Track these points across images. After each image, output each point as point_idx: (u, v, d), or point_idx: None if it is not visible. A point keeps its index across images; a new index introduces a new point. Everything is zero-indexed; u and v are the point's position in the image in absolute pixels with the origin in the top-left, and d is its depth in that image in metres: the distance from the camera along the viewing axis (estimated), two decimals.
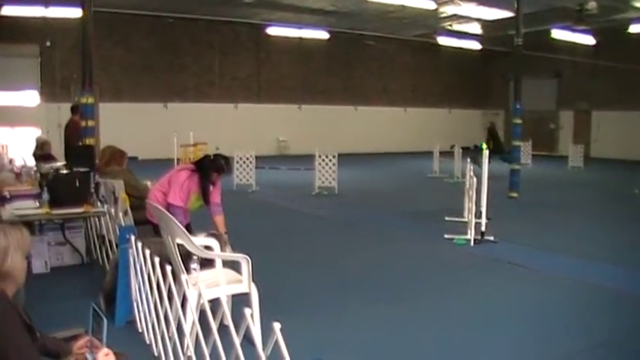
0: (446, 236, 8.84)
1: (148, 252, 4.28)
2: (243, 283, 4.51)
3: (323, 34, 24.27)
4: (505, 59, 24.40)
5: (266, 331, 2.90)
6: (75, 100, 15.38)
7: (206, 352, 3.28)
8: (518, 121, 13.63)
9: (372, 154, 26.04)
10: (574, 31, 20.92)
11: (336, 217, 10.99)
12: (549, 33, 21.43)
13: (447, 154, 18.63)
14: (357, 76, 27.73)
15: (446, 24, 22.94)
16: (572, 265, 7.49)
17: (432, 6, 18.74)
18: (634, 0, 18.39)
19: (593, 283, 6.66)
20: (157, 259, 4.10)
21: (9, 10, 17.80)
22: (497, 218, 9.50)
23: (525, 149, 20.53)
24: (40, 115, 20.14)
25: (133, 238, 4.65)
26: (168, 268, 3.95)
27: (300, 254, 8.05)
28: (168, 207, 5.40)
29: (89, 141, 9.48)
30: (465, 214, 9.58)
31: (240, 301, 4.43)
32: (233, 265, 4.82)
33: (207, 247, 4.80)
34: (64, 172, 7.05)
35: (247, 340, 3.03)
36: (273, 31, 23.69)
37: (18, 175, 8.28)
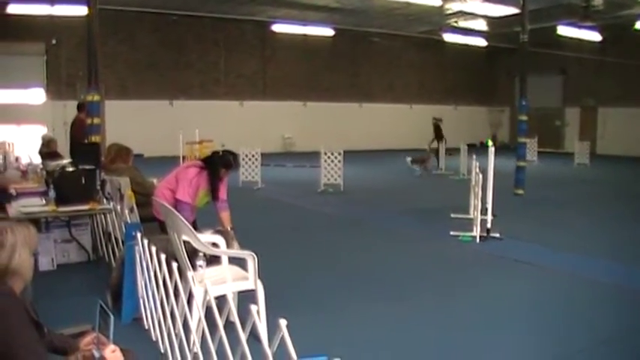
0: (451, 233, 8.83)
1: (154, 249, 4.28)
2: (249, 280, 4.52)
3: (328, 31, 24.24)
4: (511, 56, 24.29)
5: (271, 328, 2.91)
6: (80, 98, 15.41)
7: (212, 348, 3.28)
8: (524, 117, 13.58)
9: (378, 151, 26.03)
10: (580, 27, 20.81)
11: (341, 215, 10.99)
12: (555, 29, 21.35)
13: (453, 150, 18.62)
14: (362, 73, 27.70)
15: (451, 21, 22.88)
16: (577, 263, 7.47)
17: (438, 3, 18.70)
18: None
19: (598, 281, 6.64)
20: (162, 256, 4.11)
21: (15, 9, 17.85)
22: (502, 215, 9.49)
23: (531, 146, 20.47)
24: (45, 112, 20.20)
25: (139, 235, 4.66)
26: (175, 265, 3.96)
27: (305, 251, 8.05)
28: (176, 203, 5.41)
29: (95, 138, 9.51)
30: (471, 211, 9.56)
31: (245, 298, 4.44)
32: (239, 262, 4.83)
33: (213, 244, 4.81)
34: (70, 169, 7.06)
35: (253, 336, 3.03)
36: (278, 28, 23.67)
37: (24, 173, 8.33)
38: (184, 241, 4.46)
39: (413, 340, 4.84)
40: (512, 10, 18.40)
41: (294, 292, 6.01)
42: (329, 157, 13.74)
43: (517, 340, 4.85)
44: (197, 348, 3.59)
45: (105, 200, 6.85)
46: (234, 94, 24.68)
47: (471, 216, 9.15)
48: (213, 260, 4.76)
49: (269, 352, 2.75)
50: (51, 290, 5.71)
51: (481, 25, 23.57)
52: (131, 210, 6.15)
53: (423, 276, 6.87)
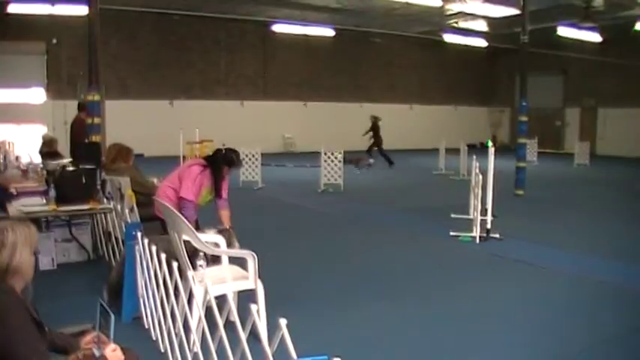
0: (451, 233, 8.84)
1: (154, 248, 4.29)
2: (249, 279, 4.53)
3: (329, 32, 24.22)
4: (511, 56, 24.26)
5: (272, 328, 2.92)
6: (81, 98, 15.42)
7: (212, 348, 3.29)
8: (524, 118, 13.57)
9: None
10: (580, 28, 20.80)
11: (341, 215, 11.00)
12: (555, 30, 21.33)
13: (453, 151, 18.61)
14: (362, 73, 27.69)
15: (452, 21, 22.87)
16: (577, 263, 7.48)
17: (438, 3, 18.68)
18: None
19: (598, 280, 6.65)
20: (163, 256, 4.11)
21: (16, 8, 17.85)
22: (503, 216, 9.50)
23: (531, 147, 20.47)
24: (46, 112, 20.19)
25: (139, 234, 4.67)
26: (175, 265, 3.97)
27: (305, 251, 8.06)
28: (180, 202, 5.44)
29: (95, 138, 9.52)
30: (471, 211, 9.55)
31: (245, 297, 4.45)
32: (239, 262, 4.83)
33: (214, 244, 4.82)
34: (71, 169, 7.08)
35: (253, 336, 3.04)
36: (279, 28, 23.65)
37: (24, 172, 8.34)
38: (185, 241, 4.47)
39: (412, 340, 4.85)
40: (512, 11, 18.38)
41: (294, 291, 6.02)
42: (329, 157, 13.75)
43: (517, 339, 4.86)
44: (197, 347, 3.60)
45: (105, 200, 6.86)
46: (235, 93, 24.67)
47: (471, 216, 9.15)
48: (213, 260, 4.77)
49: (269, 352, 2.76)
50: (51, 289, 5.72)
51: (481, 25, 23.56)
52: (131, 210, 6.16)
53: (423, 276, 6.88)
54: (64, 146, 11.90)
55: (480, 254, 7.88)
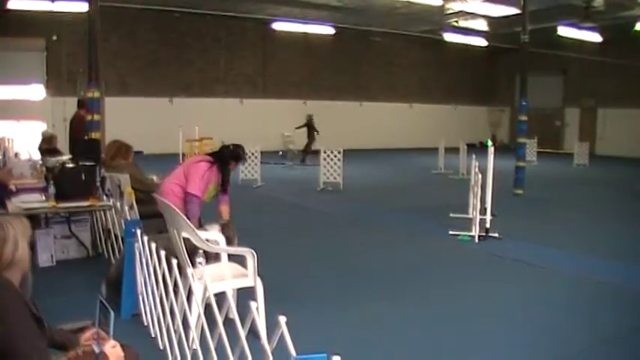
0: (450, 233, 8.84)
1: (153, 246, 4.29)
2: (249, 277, 4.53)
3: (329, 30, 24.20)
4: (511, 56, 24.25)
5: (271, 326, 2.92)
6: (80, 95, 15.41)
7: (211, 345, 3.29)
8: (524, 118, 13.58)
9: (377, 150, 26.02)
10: (580, 28, 20.79)
11: (340, 213, 11.00)
12: (555, 30, 21.32)
13: (453, 150, 18.61)
14: (362, 71, 27.67)
15: (452, 20, 22.85)
16: (576, 262, 7.49)
17: (439, 2, 18.68)
18: None
19: (598, 281, 6.66)
20: (162, 253, 4.12)
21: (15, 4, 17.81)
22: (502, 215, 9.50)
23: (531, 146, 20.49)
24: (45, 109, 20.16)
25: (138, 232, 4.67)
26: (174, 262, 3.97)
27: (304, 250, 8.06)
28: (187, 197, 5.49)
29: (95, 135, 9.51)
30: (470, 210, 9.56)
31: (244, 295, 4.45)
32: (238, 260, 4.83)
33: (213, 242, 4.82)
34: (70, 166, 7.07)
35: (252, 333, 3.04)
36: (279, 26, 23.63)
37: (24, 169, 8.32)
38: (184, 238, 4.47)
39: (412, 339, 4.85)
40: (512, 11, 18.38)
41: (294, 289, 6.02)
42: (328, 156, 13.74)
43: (517, 339, 4.86)
44: (196, 344, 3.60)
45: (105, 197, 6.85)
46: (235, 91, 24.65)
47: (470, 216, 9.15)
48: (212, 257, 4.77)
49: (268, 349, 2.76)
50: (50, 286, 5.72)
51: (482, 25, 23.54)
52: (131, 207, 6.15)
53: (422, 275, 6.88)
54: (63, 143, 11.90)
55: (479, 254, 7.88)
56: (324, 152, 13.71)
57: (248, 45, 25.02)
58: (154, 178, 7.10)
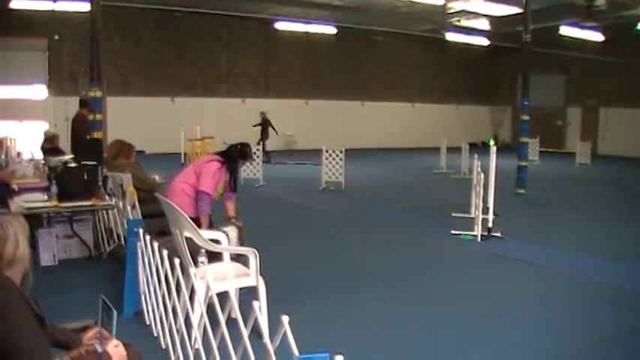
0: (452, 232, 8.84)
1: (156, 245, 4.30)
2: (251, 276, 4.53)
3: (331, 30, 24.21)
4: (513, 55, 24.25)
5: (273, 325, 2.92)
6: (82, 94, 15.41)
7: (214, 344, 3.29)
8: (526, 117, 13.57)
9: (379, 150, 26.01)
10: (582, 27, 20.77)
11: (342, 212, 11.00)
12: (557, 29, 21.30)
13: (454, 149, 18.61)
14: (364, 71, 27.66)
15: (454, 20, 22.84)
16: (578, 263, 7.48)
17: (440, 2, 18.68)
18: None
19: (599, 281, 6.65)
20: (165, 252, 4.12)
21: (17, 4, 17.84)
22: (504, 215, 9.50)
23: (533, 146, 20.48)
24: (47, 108, 20.18)
25: (140, 231, 4.67)
26: (177, 261, 3.97)
27: (306, 249, 8.06)
28: (198, 195, 5.64)
29: (97, 134, 9.52)
30: (472, 210, 9.56)
31: (246, 294, 4.45)
32: (239, 259, 4.84)
33: (215, 241, 4.82)
34: (73, 165, 7.08)
35: (255, 333, 3.04)
36: (280, 25, 23.63)
37: (26, 168, 8.33)
38: (187, 238, 4.47)
39: (412, 338, 4.85)
40: (514, 10, 18.38)
41: (296, 289, 6.02)
42: (330, 155, 13.74)
43: (517, 339, 4.86)
44: (199, 344, 3.60)
45: (107, 196, 6.86)
46: (236, 91, 24.66)
47: (473, 215, 9.16)
48: (214, 257, 4.77)
49: (271, 348, 2.76)
50: (53, 285, 5.73)
51: (483, 24, 23.53)
52: (133, 206, 6.16)
53: (424, 274, 6.88)
54: (65, 142, 11.91)
55: (480, 253, 7.88)
56: (326, 152, 13.71)
57: (250, 44, 25.03)
58: (156, 177, 7.12)
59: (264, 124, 20.31)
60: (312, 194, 13.04)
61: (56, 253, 6.77)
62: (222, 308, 3.21)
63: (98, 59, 9.61)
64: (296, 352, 2.52)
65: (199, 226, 5.44)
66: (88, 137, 9.66)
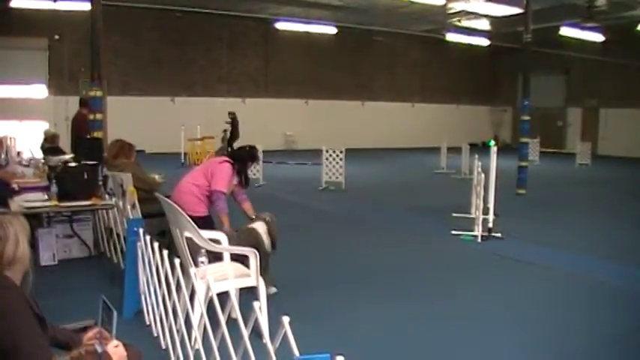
0: (453, 232, 8.83)
1: (156, 245, 4.29)
2: (251, 277, 4.53)
3: (331, 29, 24.21)
4: (513, 56, 24.27)
5: (274, 326, 2.91)
6: (83, 94, 15.40)
7: (214, 344, 3.28)
8: (527, 117, 13.58)
9: (380, 150, 26.02)
10: (583, 28, 20.77)
11: (342, 213, 10.99)
12: (558, 30, 21.30)
13: (455, 150, 18.61)
14: (364, 71, 27.68)
15: (454, 20, 22.84)
16: (578, 263, 7.47)
17: (441, 2, 18.67)
18: None
19: (599, 281, 6.64)
20: (165, 252, 4.11)
21: (18, 3, 17.84)
22: (504, 215, 9.48)
23: (533, 146, 20.48)
24: (48, 108, 20.21)
25: (141, 231, 4.66)
26: (176, 261, 3.96)
27: (306, 250, 8.05)
28: (213, 195, 5.81)
29: (97, 134, 9.51)
30: (473, 210, 9.56)
31: (246, 295, 4.45)
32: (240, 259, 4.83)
33: (215, 241, 4.82)
34: (73, 164, 7.07)
35: (255, 333, 3.03)
36: (281, 25, 23.64)
37: (26, 168, 8.33)
38: (187, 238, 4.47)
39: (413, 338, 4.85)
40: (515, 10, 18.37)
41: (296, 289, 6.00)
42: (330, 155, 13.74)
43: (517, 339, 4.86)
44: (199, 344, 3.59)
45: (107, 196, 6.84)
46: (237, 91, 24.67)
47: (473, 215, 9.15)
48: (215, 257, 4.77)
49: (271, 349, 2.75)
50: (53, 285, 5.72)
51: (484, 24, 23.52)
52: (133, 206, 6.15)
53: (424, 275, 6.87)
54: (65, 142, 11.91)
55: (481, 253, 7.87)
56: (327, 151, 13.70)
57: (250, 44, 25.05)
58: (156, 177, 7.11)
59: (234, 124, 20.09)
60: (312, 194, 13.04)
61: (56, 253, 6.76)
62: (223, 308, 3.21)
63: (98, 59, 9.60)
64: (296, 352, 2.52)
65: (212, 225, 5.65)
66: (88, 137, 9.65)
